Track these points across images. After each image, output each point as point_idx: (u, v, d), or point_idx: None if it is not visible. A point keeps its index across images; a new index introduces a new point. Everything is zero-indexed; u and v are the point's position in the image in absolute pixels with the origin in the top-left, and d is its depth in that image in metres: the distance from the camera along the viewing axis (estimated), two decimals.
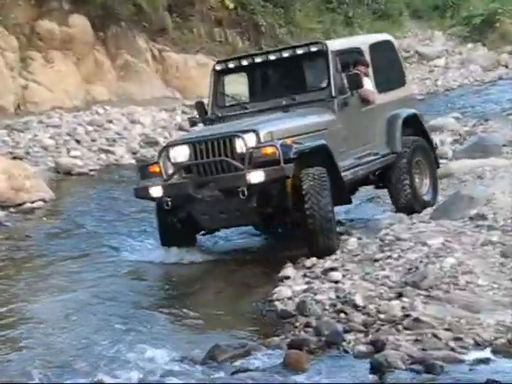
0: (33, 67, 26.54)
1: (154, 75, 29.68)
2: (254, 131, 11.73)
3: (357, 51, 13.56)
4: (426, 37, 41.25)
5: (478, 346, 9.11)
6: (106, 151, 22.76)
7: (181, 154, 11.77)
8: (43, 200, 18.16)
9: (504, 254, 11.14)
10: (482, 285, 10.24)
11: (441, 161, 17.38)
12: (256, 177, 11.31)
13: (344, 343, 9.22)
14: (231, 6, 34.25)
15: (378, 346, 8.91)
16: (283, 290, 10.85)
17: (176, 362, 9.56)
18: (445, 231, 12.45)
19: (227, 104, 13.60)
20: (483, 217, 12.75)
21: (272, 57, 12.91)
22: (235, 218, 11.96)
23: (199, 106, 13.90)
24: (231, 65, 13.33)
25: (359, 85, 12.75)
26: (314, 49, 12.76)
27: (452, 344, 9.13)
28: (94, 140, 23.39)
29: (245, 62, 13.11)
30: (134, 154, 22.63)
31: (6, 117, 24.23)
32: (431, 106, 28.85)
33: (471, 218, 12.72)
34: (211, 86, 13.46)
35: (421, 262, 10.89)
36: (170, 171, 11.76)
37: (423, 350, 8.97)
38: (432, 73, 36.71)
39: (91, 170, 21.47)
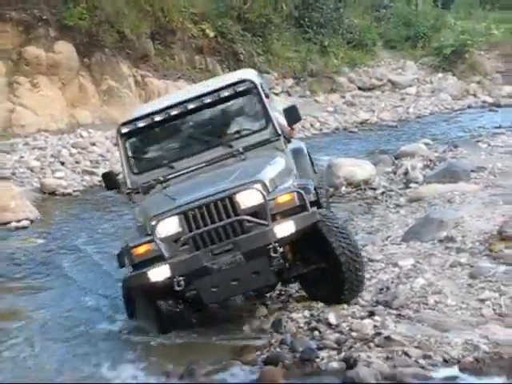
0: (19, 91, 26.54)
1: (137, 100, 29.66)
2: (260, 182, 10.12)
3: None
4: (399, 66, 41.36)
5: (447, 363, 9.15)
6: (90, 173, 22.69)
7: (171, 227, 9.80)
8: (28, 219, 18.14)
9: (472, 276, 11.21)
10: (450, 305, 10.31)
11: (412, 185, 17.58)
12: (285, 229, 9.78)
13: (317, 360, 9.20)
14: (211, 34, 34.33)
15: (350, 363, 8.91)
16: (260, 309, 10.91)
17: (155, 377, 9.67)
18: (415, 253, 12.53)
19: (147, 168, 11.32)
20: (452, 239, 12.82)
21: (191, 105, 11.20)
22: (248, 283, 10.09)
23: (108, 177, 12.11)
24: (141, 123, 11.22)
25: (298, 118, 11.53)
26: (241, 87, 11.33)
27: (421, 361, 9.16)
28: (77, 162, 23.35)
29: (158, 118, 11.17)
30: (116, 175, 22.52)
31: None
32: (403, 132, 29.02)
33: (441, 241, 12.79)
34: (122, 152, 11.46)
35: (392, 282, 11.00)
36: (166, 248, 9.64)
37: (394, 367, 8.96)
38: (404, 100, 36.77)
39: (75, 191, 21.44)
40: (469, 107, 35.47)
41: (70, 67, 28.13)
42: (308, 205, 10.00)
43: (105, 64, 29.44)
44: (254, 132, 11.33)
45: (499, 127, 25.93)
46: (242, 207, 9.79)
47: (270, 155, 11.18)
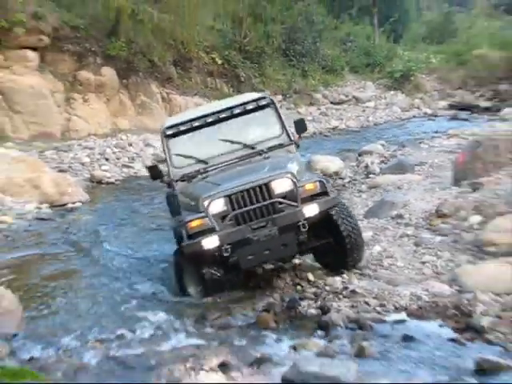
0: (74, 105, 26.40)
1: (163, 111, 29.55)
2: (290, 173, 9.97)
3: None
4: (361, 86, 41.23)
5: (397, 310, 9.14)
6: (128, 166, 22.63)
7: (219, 206, 9.52)
8: (81, 202, 18.11)
9: (416, 244, 11.23)
10: (400, 266, 10.34)
11: (371, 176, 17.58)
12: (311, 210, 9.68)
13: (300, 308, 9.28)
14: (219, 62, 34.21)
15: (324, 310, 9.05)
16: (258, 270, 10.70)
17: (174, 321, 9.62)
18: (374, 227, 12.50)
19: (185, 164, 10.81)
20: (401, 216, 12.80)
21: (223, 115, 10.98)
22: (277, 253, 9.83)
23: (153, 169, 11.41)
24: (182, 127, 10.90)
25: (305, 129, 11.23)
26: (262, 102, 11.16)
27: (378, 309, 9.22)
28: (118, 158, 23.24)
29: (196, 123, 10.90)
30: (147, 167, 22.53)
31: (55, 141, 24.15)
32: (364, 136, 28.91)
33: (393, 218, 12.77)
34: (166, 150, 10.94)
35: None
36: (214, 222, 9.43)
37: (357, 312, 9.05)
38: (365, 112, 36.68)
39: (116, 180, 21.34)
40: (414, 117, 35.42)
41: (112, 87, 28.01)
42: (329, 191, 9.97)
43: (139, 84, 29.33)
44: (272, 138, 11.07)
45: (436, 132, 25.90)
46: (276, 192, 9.64)
47: (287, 156, 11.00)
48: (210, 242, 9.21)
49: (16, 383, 5.30)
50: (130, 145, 24.99)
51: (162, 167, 11.55)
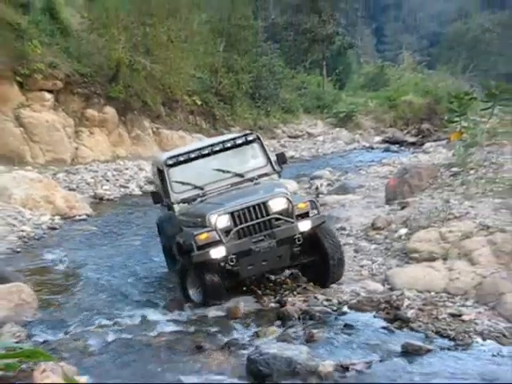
0: (81, 137, 26.23)
1: (153, 142, 29.53)
2: (285, 193, 9.62)
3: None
4: (312, 123, 41.34)
5: (340, 304, 9.19)
6: (124, 186, 22.49)
7: (223, 221, 9.02)
8: (86, 214, 18.05)
9: (356, 251, 11.30)
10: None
11: (320, 195, 17.57)
12: (305, 225, 9.23)
13: (262, 301, 9.34)
14: (199, 103, 34.08)
15: (281, 304, 9.06)
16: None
17: (161, 312, 9.69)
18: None
19: (184, 190, 10.25)
20: (344, 229, 12.81)
21: (216, 148, 10.48)
22: (273, 264, 9.44)
23: (156, 195, 10.81)
24: (181, 158, 10.37)
25: (285, 161, 10.90)
26: (250, 138, 10.70)
27: (325, 303, 9.24)
28: (117, 180, 23.08)
29: (192, 155, 10.35)
30: (140, 188, 22.41)
31: (65, 166, 24.05)
32: (315, 163, 28.98)
33: (337, 229, 12.71)
34: (166, 177, 10.29)
35: None
36: (220, 236, 8.97)
37: (308, 306, 9.04)
38: (315, 144, 36.63)
39: (115, 198, 21.19)
40: (354, 149, 35.48)
41: (112, 122, 27.86)
42: (319, 210, 9.57)
43: (134, 120, 29.22)
44: (258, 168, 10.59)
45: (372, 161, 26.03)
46: (273, 210, 9.20)
47: (273, 182, 10.63)
48: (218, 253, 8.79)
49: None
50: (126, 169, 24.78)
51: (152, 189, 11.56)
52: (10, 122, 23.81)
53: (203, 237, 8.80)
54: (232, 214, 9.00)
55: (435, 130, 37.41)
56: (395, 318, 8.60)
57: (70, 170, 23.59)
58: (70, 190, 20.67)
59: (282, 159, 10.69)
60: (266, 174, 10.48)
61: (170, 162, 10.25)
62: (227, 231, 8.95)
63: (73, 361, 7.52)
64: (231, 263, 8.90)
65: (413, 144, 34.23)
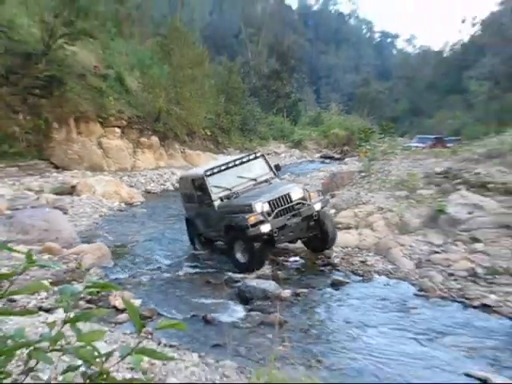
0: (137, 154, 26.15)
1: (181, 157, 29.41)
2: (300, 187, 9.13)
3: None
4: (277, 146, 41.27)
5: (296, 255, 9.22)
6: (163, 184, 22.40)
7: (265, 207, 8.22)
8: (140, 201, 17.90)
9: None
10: None
11: None
12: (318, 206, 8.58)
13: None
14: (209, 133, 34.07)
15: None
16: None
17: (187, 258, 9.53)
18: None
19: (218, 191, 9.34)
20: None
21: (238, 162, 9.62)
22: (297, 234, 8.68)
23: (188, 196, 10.31)
24: (215, 170, 9.44)
25: (279, 169, 10.10)
26: (258, 155, 9.96)
27: (285, 255, 9.30)
28: (158, 181, 23.03)
29: (223, 168, 9.49)
30: (173, 185, 22.17)
31: (127, 172, 23.87)
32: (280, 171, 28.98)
33: None
34: (207, 183, 9.34)
35: None
36: (265, 217, 8.22)
37: (276, 257, 9.03)
38: (279, 159, 36.39)
39: (158, 192, 21.16)
40: (303, 161, 35.59)
41: (156, 146, 27.70)
42: (325, 196, 8.99)
43: (169, 144, 29.10)
44: (265, 174, 9.78)
45: (313, 169, 26.13)
46: (294, 197, 8.51)
47: (282, 182, 10.25)
48: (266, 228, 8.01)
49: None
50: (165, 174, 24.65)
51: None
52: (95, 146, 23.68)
53: (253, 218, 8.09)
54: (269, 202, 8.35)
55: (351, 150, 37.66)
56: (327, 264, 8.74)
57: (130, 174, 23.31)
58: (130, 186, 20.46)
59: (277, 168, 10.05)
60: (271, 178, 9.77)
61: (208, 173, 9.40)
62: (268, 213, 8.26)
63: (132, 290, 7.59)
64: (275, 234, 8.15)
65: (338, 159, 34.40)
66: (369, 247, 9.26)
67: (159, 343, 5.35)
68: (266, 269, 8.46)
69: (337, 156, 36.99)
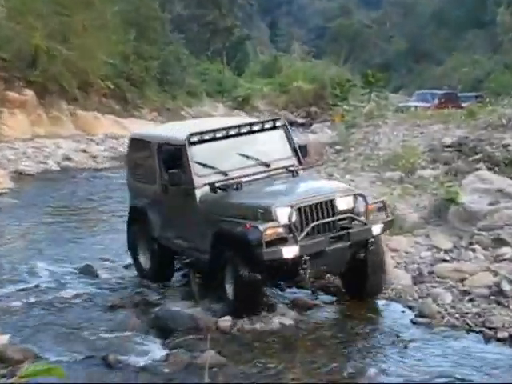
0: (3, 117, 25.37)
1: (70, 123, 28.93)
2: (354, 192, 7.84)
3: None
4: (214, 106, 41.17)
5: None
6: (43, 162, 21.91)
7: (292, 214, 6.95)
8: (8, 188, 17.50)
9: None
10: None
11: None
12: (377, 229, 7.34)
13: None
14: (111, 86, 33.37)
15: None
16: None
17: None
18: None
19: (206, 173, 8.01)
20: None
21: (243, 129, 8.41)
22: (333, 268, 7.69)
23: (176, 175, 7.99)
24: (206, 136, 8.11)
25: (306, 154, 8.91)
26: (278, 123, 8.73)
27: None
28: (36, 157, 22.48)
29: (219, 134, 8.18)
30: (58, 163, 21.87)
31: None
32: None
33: None
34: (187, 157, 7.89)
35: None
36: (294, 232, 6.95)
37: None
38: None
39: (35, 173, 20.61)
40: None
41: (32, 105, 27.05)
42: (388, 212, 7.77)
43: (53, 103, 28.50)
44: (284, 159, 8.50)
45: None
46: (339, 208, 7.30)
47: (320, 175, 9.55)
48: (291, 252, 6.82)
49: None
50: (46, 147, 23.97)
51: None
52: None
53: (272, 232, 6.86)
54: (300, 209, 7.12)
55: (321, 112, 38.15)
56: None
57: None
58: None
59: (304, 152, 8.81)
60: (292, 166, 8.42)
61: (195, 139, 8.05)
62: (296, 228, 6.99)
63: None
64: (304, 265, 6.93)
65: (302, 125, 34.75)
66: None
67: None
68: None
69: (300, 121, 37.32)
